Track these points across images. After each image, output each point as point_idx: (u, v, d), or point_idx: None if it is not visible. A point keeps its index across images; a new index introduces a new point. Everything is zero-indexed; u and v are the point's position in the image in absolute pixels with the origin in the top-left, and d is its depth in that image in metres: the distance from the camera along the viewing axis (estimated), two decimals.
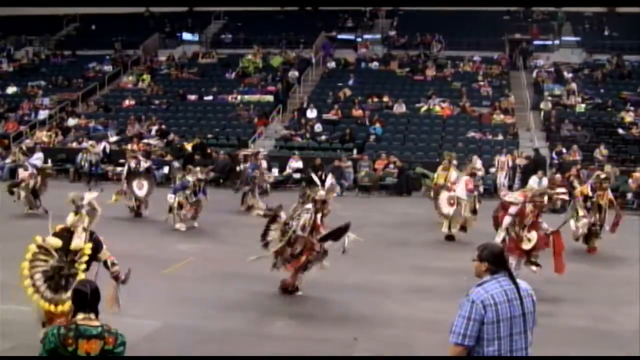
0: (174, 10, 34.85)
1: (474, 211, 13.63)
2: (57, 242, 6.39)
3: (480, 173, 15.61)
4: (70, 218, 6.63)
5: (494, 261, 4.02)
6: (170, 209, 13.78)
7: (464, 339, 3.87)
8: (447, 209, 13.51)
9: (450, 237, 13.38)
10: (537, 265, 9.40)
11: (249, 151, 18.82)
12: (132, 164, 15.74)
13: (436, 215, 14.49)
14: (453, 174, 14.84)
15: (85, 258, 6.36)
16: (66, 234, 6.49)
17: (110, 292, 6.42)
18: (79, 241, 6.39)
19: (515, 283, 3.99)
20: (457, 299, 4.10)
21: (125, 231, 12.77)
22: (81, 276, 6.19)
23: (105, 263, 6.54)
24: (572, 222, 12.03)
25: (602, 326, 8.06)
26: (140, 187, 15.18)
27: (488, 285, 3.96)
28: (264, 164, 18.74)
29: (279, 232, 8.88)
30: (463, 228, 13.49)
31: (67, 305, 6.03)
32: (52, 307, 6.26)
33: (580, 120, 24.28)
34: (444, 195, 13.73)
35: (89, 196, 6.92)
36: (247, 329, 7.57)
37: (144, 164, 15.89)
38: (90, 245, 6.44)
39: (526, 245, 9.36)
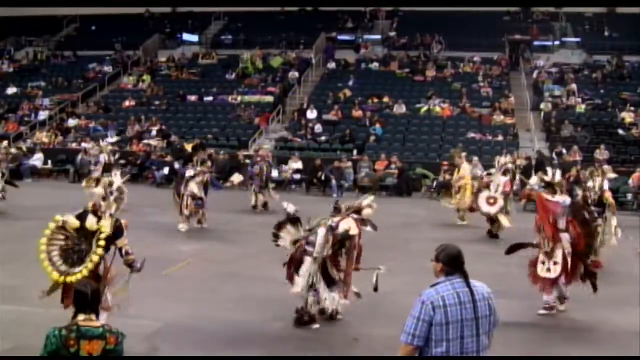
0: (174, 10, 34.93)
1: (506, 212, 13.79)
2: (75, 223, 6.53)
3: (510, 166, 15.71)
4: (98, 194, 6.78)
5: (449, 263, 4.00)
6: (180, 201, 13.55)
7: (413, 339, 3.86)
8: (487, 208, 13.60)
9: (494, 235, 13.41)
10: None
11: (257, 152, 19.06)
12: (105, 157, 17.55)
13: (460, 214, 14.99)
14: (465, 167, 15.10)
15: (104, 235, 6.46)
16: (84, 215, 6.62)
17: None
18: (93, 221, 6.52)
19: (469, 286, 3.94)
20: None
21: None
22: (97, 255, 6.39)
23: (120, 250, 6.68)
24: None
25: (602, 327, 8.05)
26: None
27: (440, 287, 3.94)
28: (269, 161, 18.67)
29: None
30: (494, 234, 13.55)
31: (75, 278, 6.21)
32: (62, 278, 6.39)
33: (580, 121, 24.30)
34: (483, 195, 13.77)
35: (118, 181, 7.11)
36: (247, 329, 7.56)
37: (113, 157, 17.75)
38: (107, 224, 6.55)
39: (545, 273, 8.25)
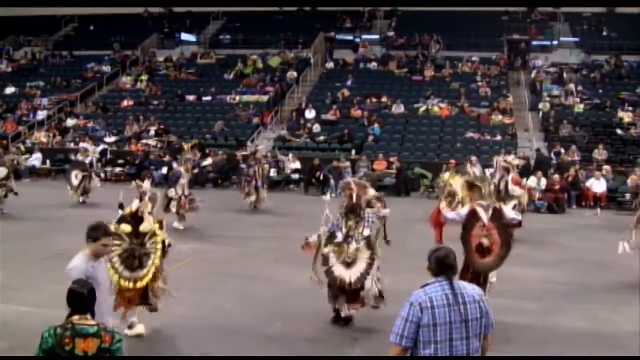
0: (169, 10, 34.93)
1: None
2: (128, 228, 6.99)
3: (516, 162, 15.62)
4: (135, 204, 7.31)
5: (436, 265, 3.99)
6: (169, 202, 13.65)
7: (402, 340, 3.84)
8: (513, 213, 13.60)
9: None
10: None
11: (248, 152, 19.12)
12: (80, 157, 18.21)
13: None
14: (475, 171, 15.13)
15: (160, 238, 7.06)
16: (131, 219, 7.10)
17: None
18: (147, 224, 7.06)
19: (452, 289, 3.90)
20: None
21: None
22: (158, 258, 7.02)
23: (163, 243, 7.16)
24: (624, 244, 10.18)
25: (601, 327, 8.05)
26: (76, 177, 17.01)
27: (429, 288, 3.92)
28: (264, 161, 18.73)
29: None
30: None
31: (145, 281, 6.95)
32: (132, 284, 6.89)
33: (579, 121, 24.31)
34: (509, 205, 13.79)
35: (147, 184, 7.77)
36: (247, 329, 7.56)
37: (89, 158, 18.29)
38: (157, 226, 7.15)
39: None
